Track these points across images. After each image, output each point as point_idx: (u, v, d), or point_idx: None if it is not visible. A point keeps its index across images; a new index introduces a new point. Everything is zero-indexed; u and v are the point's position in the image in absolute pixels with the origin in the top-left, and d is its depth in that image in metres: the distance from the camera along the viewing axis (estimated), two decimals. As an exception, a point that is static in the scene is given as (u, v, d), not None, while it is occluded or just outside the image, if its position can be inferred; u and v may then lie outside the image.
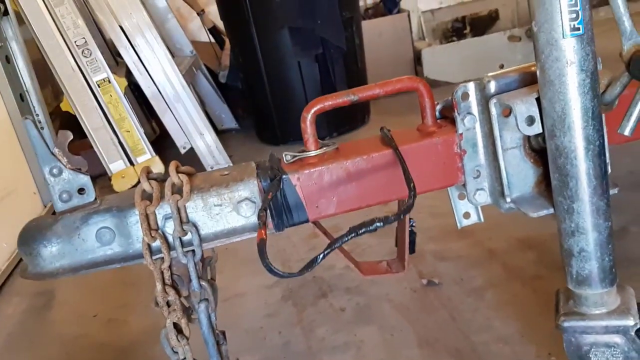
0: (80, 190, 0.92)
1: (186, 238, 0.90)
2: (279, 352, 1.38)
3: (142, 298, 1.69)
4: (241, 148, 3.08)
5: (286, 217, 0.92)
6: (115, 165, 2.67)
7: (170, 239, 0.89)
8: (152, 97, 2.70)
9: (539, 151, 0.89)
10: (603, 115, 0.80)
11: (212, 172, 0.97)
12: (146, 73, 2.68)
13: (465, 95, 0.90)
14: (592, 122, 0.78)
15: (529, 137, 0.89)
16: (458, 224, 1.02)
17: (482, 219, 1.02)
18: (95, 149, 2.66)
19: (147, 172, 0.90)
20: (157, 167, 2.70)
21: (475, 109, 0.91)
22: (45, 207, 2.45)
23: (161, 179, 0.91)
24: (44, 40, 2.56)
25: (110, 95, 2.63)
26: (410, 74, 3.51)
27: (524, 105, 0.83)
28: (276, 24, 2.73)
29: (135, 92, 2.98)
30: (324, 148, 0.94)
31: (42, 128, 1.10)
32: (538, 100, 0.82)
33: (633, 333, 0.84)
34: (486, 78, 0.88)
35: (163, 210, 0.89)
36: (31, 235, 0.90)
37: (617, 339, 0.84)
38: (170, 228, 0.90)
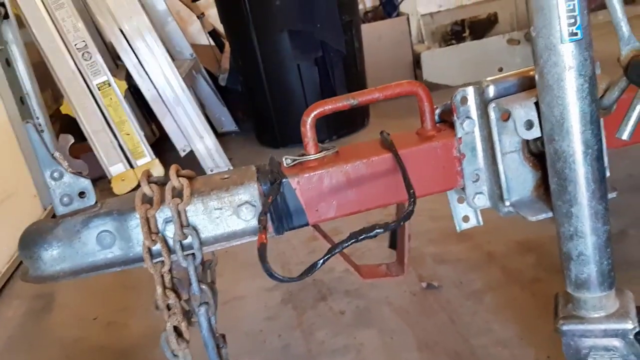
0: (81, 194, 0.92)
1: (186, 241, 0.90)
2: (278, 355, 1.38)
3: (142, 301, 1.70)
4: (241, 151, 3.08)
5: (286, 220, 0.93)
6: (115, 168, 2.68)
7: (171, 242, 0.90)
8: (152, 100, 2.71)
9: (538, 155, 0.90)
10: (601, 120, 0.81)
11: (213, 175, 0.98)
12: (146, 76, 2.68)
13: (464, 100, 0.91)
14: (591, 126, 0.78)
15: (527, 141, 0.89)
16: (457, 228, 1.03)
17: (482, 223, 1.02)
18: (95, 152, 2.66)
19: (148, 175, 0.90)
20: (157, 170, 2.71)
21: (474, 113, 0.91)
22: (45, 209, 2.45)
23: (161, 183, 0.91)
24: (44, 44, 2.57)
25: (111, 98, 2.64)
26: (410, 77, 3.52)
27: (523, 110, 0.84)
28: (276, 27, 2.74)
29: (135, 95, 2.98)
30: (324, 152, 0.95)
31: (42, 131, 1.10)
32: (537, 104, 0.83)
33: (632, 336, 0.84)
34: (485, 82, 0.89)
35: (163, 214, 0.90)
36: (32, 239, 0.91)
37: (615, 342, 0.85)
38: (170, 231, 0.90)
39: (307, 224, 0.95)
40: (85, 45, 2.60)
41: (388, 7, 3.73)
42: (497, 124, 0.87)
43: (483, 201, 0.96)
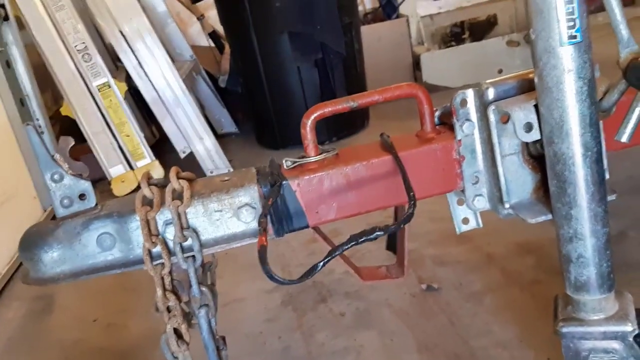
0: (81, 196, 0.93)
1: (186, 244, 0.90)
2: (278, 357, 1.38)
3: (142, 303, 1.70)
4: (241, 152, 3.08)
5: (286, 222, 0.93)
6: (115, 170, 2.68)
7: (171, 244, 0.90)
8: (152, 102, 2.71)
9: (537, 157, 0.90)
10: (601, 122, 0.81)
11: (213, 177, 0.98)
12: (146, 78, 2.68)
13: (464, 102, 0.91)
14: (590, 128, 0.79)
15: (527, 143, 0.89)
16: (457, 230, 1.03)
17: (481, 225, 1.02)
18: (95, 154, 2.66)
19: (148, 177, 0.91)
20: (157, 171, 2.71)
21: (473, 116, 0.92)
22: (45, 211, 2.45)
23: (162, 185, 0.92)
24: (44, 45, 2.57)
25: (111, 100, 2.64)
26: (409, 78, 3.52)
27: (522, 112, 0.84)
28: (276, 29, 2.74)
29: (134, 97, 2.99)
30: (324, 154, 0.95)
31: (42, 133, 1.11)
32: (536, 107, 0.83)
33: (631, 339, 0.85)
34: (484, 85, 0.89)
35: (163, 216, 0.90)
36: (32, 241, 0.91)
37: (615, 344, 0.85)
38: (170, 234, 0.90)
39: (307, 226, 0.95)
40: (85, 46, 2.60)
41: (388, 9, 3.73)
42: (497, 126, 0.88)
43: (483, 203, 0.96)
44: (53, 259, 0.90)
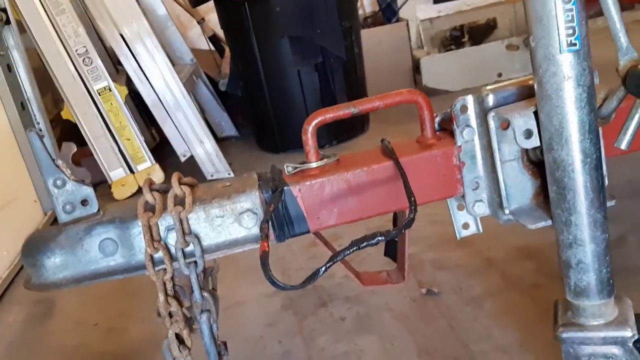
0: (84, 202, 0.93)
1: (188, 249, 0.91)
2: (279, 361, 1.38)
3: (143, 307, 1.70)
4: (241, 156, 3.08)
5: (287, 228, 0.93)
6: (116, 173, 2.68)
7: (173, 250, 0.91)
8: (152, 106, 2.72)
9: (537, 163, 0.91)
10: (600, 129, 0.82)
11: (214, 183, 0.98)
12: (147, 81, 2.69)
13: (464, 108, 0.92)
14: (589, 135, 0.79)
15: (527, 149, 0.90)
16: (457, 235, 1.03)
17: (481, 230, 1.03)
18: (96, 157, 2.67)
19: (150, 183, 0.91)
20: (157, 175, 2.71)
21: (473, 122, 0.92)
22: (46, 214, 2.46)
23: (163, 191, 0.92)
24: (45, 49, 2.58)
25: (111, 104, 2.65)
26: (409, 82, 3.53)
27: (522, 119, 0.84)
28: (276, 33, 2.75)
29: (135, 100, 2.99)
30: (325, 159, 0.96)
31: (43, 136, 1.11)
32: (536, 113, 0.84)
33: (631, 344, 0.85)
34: (484, 91, 0.89)
35: (165, 222, 0.90)
36: (35, 247, 0.91)
37: (615, 350, 0.85)
38: (172, 239, 0.91)
39: (308, 232, 0.95)
40: (86, 50, 2.61)
41: (387, 13, 3.74)
42: (497, 132, 0.88)
43: (483, 209, 0.97)
44: (55, 264, 0.90)
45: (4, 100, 2.35)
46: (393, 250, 1.11)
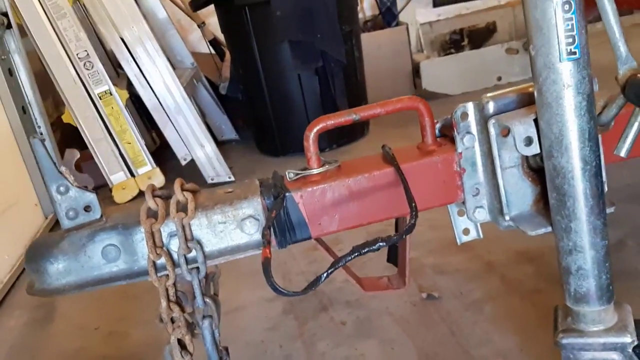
0: (87, 208, 0.94)
1: (191, 255, 0.91)
2: (280, 366, 1.39)
3: (144, 311, 1.70)
4: (241, 159, 3.09)
5: (289, 234, 0.94)
6: (116, 177, 2.69)
7: (175, 256, 0.91)
8: (153, 109, 2.72)
9: (537, 170, 0.91)
10: (599, 136, 0.82)
11: (216, 189, 0.99)
12: (147, 85, 2.70)
13: (465, 115, 0.93)
14: (589, 143, 0.80)
15: (527, 156, 0.90)
16: (458, 240, 1.04)
17: (482, 236, 1.03)
18: (96, 161, 2.67)
19: (152, 189, 0.92)
20: (158, 178, 2.72)
21: (474, 129, 0.93)
22: (47, 218, 2.46)
23: (166, 197, 0.93)
24: (46, 53, 2.59)
25: (112, 107, 2.65)
26: (409, 86, 3.54)
27: (522, 126, 0.85)
28: (276, 37, 2.75)
29: (135, 104, 3.00)
30: (326, 166, 0.96)
31: (44, 140, 1.12)
32: (536, 121, 0.84)
33: (630, 350, 0.86)
34: (485, 98, 0.90)
35: (168, 228, 0.91)
36: (38, 253, 0.92)
37: (614, 356, 0.86)
38: (175, 245, 0.91)
39: (309, 238, 0.96)
40: (87, 54, 2.61)
41: (387, 17, 3.75)
42: (497, 139, 0.89)
43: (483, 215, 0.97)
44: (58, 270, 0.91)
45: (5, 103, 2.36)
46: (395, 256, 1.12)
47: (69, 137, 2.87)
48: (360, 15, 3.71)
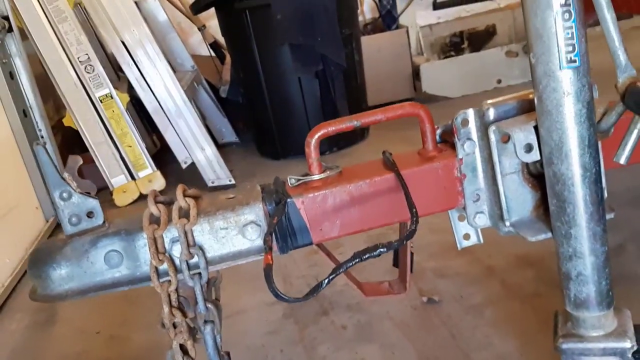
0: (89, 214, 0.94)
1: (193, 261, 0.92)
2: (281, 370, 1.39)
3: (145, 315, 1.71)
4: (241, 162, 3.10)
5: (291, 240, 0.94)
6: (117, 180, 2.69)
7: (177, 262, 0.92)
8: (154, 113, 2.73)
9: (537, 176, 0.92)
10: (599, 143, 0.83)
11: (218, 195, 0.99)
12: (148, 88, 2.71)
13: (465, 122, 0.93)
14: (589, 150, 0.80)
15: (527, 162, 0.91)
16: (458, 245, 1.04)
17: (482, 241, 1.04)
18: (97, 164, 2.68)
19: (155, 195, 0.92)
20: (159, 181, 2.73)
21: (474, 135, 0.94)
22: (47, 221, 2.46)
23: (168, 203, 0.93)
24: (47, 56, 2.60)
25: (113, 111, 2.66)
26: (409, 89, 3.55)
27: (523, 133, 0.86)
28: (277, 41, 2.76)
29: (136, 107, 3.01)
30: (328, 171, 0.97)
31: (45, 143, 1.13)
32: (536, 128, 0.85)
33: (630, 355, 0.86)
34: (485, 105, 0.91)
35: (170, 234, 0.92)
36: (41, 258, 0.92)
37: (614, 361, 0.86)
38: (177, 251, 0.92)
39: (311, 243, 0.96)
40: (88, 58, 2.62)
41: (387, 20, 3.76)
42: (497, 146, 0.90)
43: (483, 220, 0.98)
44: (61, 276, 0.91)
45: (7, 107, 2.36)
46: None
47: (69, 140, 2.88)
48: (360, 19, 3.71)
